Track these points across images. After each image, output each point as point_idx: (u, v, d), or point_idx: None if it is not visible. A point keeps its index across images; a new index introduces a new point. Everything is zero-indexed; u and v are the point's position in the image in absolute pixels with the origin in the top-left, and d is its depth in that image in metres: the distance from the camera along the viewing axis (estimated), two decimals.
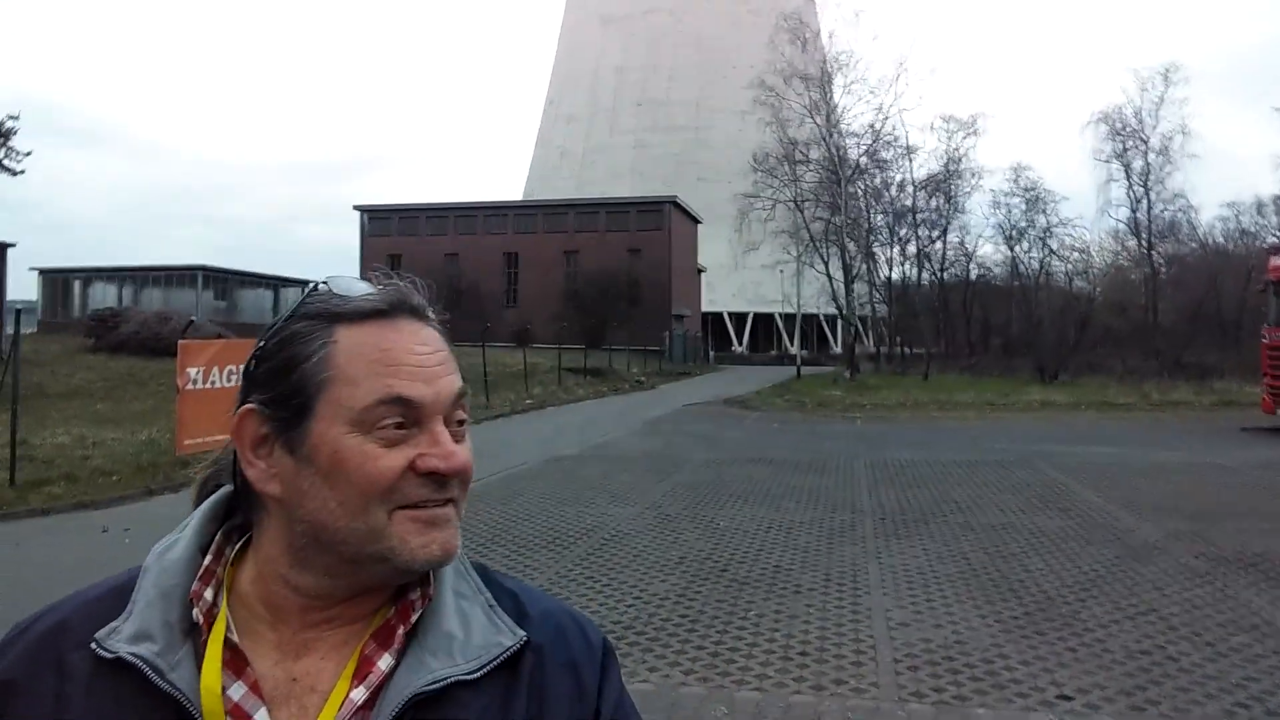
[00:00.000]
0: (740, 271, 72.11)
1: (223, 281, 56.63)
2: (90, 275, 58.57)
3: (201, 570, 0.95)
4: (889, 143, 43.34)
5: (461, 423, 0.94)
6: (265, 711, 0.88)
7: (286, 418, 0.91)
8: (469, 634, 0.94)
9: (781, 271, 51.58)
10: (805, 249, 42.76)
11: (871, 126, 41.78)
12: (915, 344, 51.04)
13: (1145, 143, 43.97)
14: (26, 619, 0.96)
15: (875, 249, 48.25)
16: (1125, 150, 44.69)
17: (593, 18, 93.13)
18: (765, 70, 41.43)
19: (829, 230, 41.96)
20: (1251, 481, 12.57)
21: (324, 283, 0.97)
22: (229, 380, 14.91)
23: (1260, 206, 51.84)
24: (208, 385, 14.29)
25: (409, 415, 0.90)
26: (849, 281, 42.05)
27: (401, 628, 0.93)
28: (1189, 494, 11.49)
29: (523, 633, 0.96)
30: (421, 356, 0.92)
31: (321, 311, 0.93)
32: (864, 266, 45.34)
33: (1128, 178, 45.17)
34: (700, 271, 69.42)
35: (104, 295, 56.39)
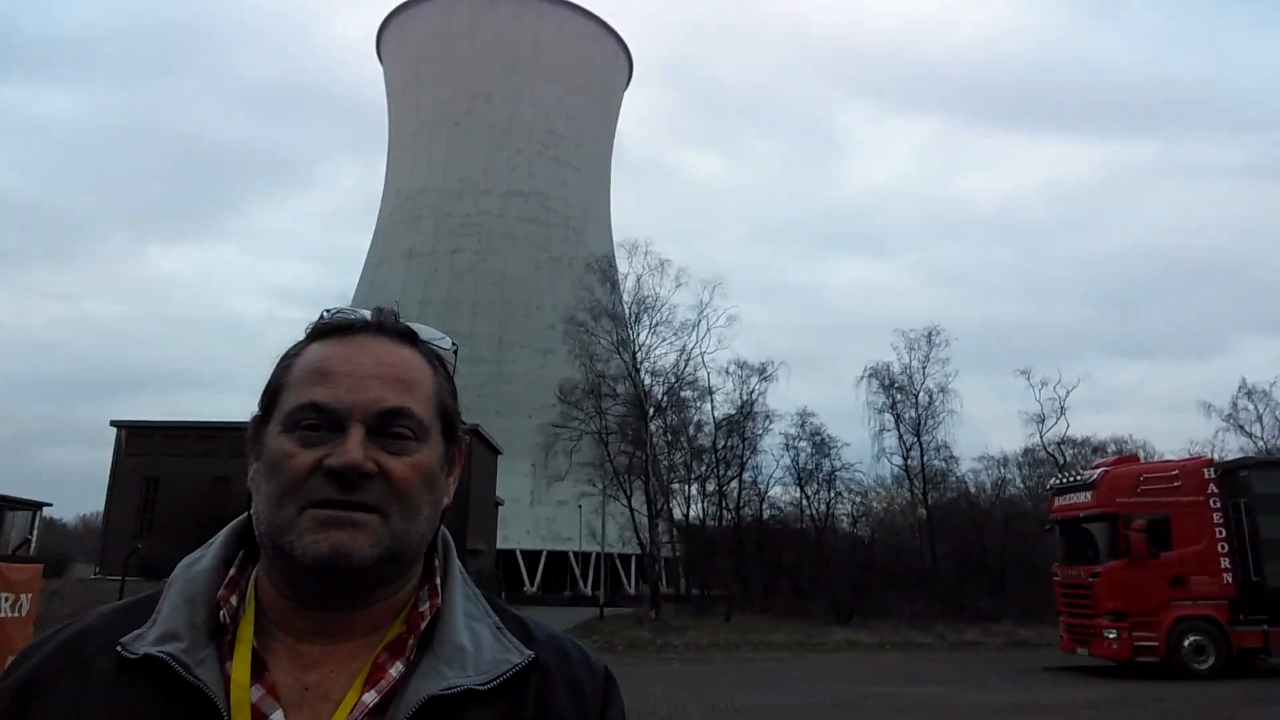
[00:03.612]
0: (536, 507, 70.67)
1: None
2: None
3: (227, 580, 1.03)
4: (690, 383, 45.06)
5: (399, 437, 1.01)
6: (281, 713, 0.95)
7: (261, 422, 1.05)
8: (479, 650, 1.02)
9: (581, 506, 50.70)
10: (610, 482, 42.36)
11: (675, 366, 43.43)
12: (711, 584, 50.74)
13: (915, 397, 48.32)
14: (55, 628, 1.04)
15: (674, 486, 48.70)
16: (896, 403, 48.82)
17: (399, 252, 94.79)
18: (575, 307, 42.70)
19: (633, 465, 42.01)
20: None
21: (327, 310, 1.12)
22: None
23: (1005, 462, 57.59)
24: None
25: (325, 419, 0.99)
26: (653, 517, 41.69)
27: (412, 638, 1.02)
28: None
29: (530, 652, 1.04)
30: (353, 367, 1.02)
31: (309, 332, 1.09)
32: (664, 505, 45.40)
33: (898, 428, 49.03)
34: (498, 504, 67.31)
35: None
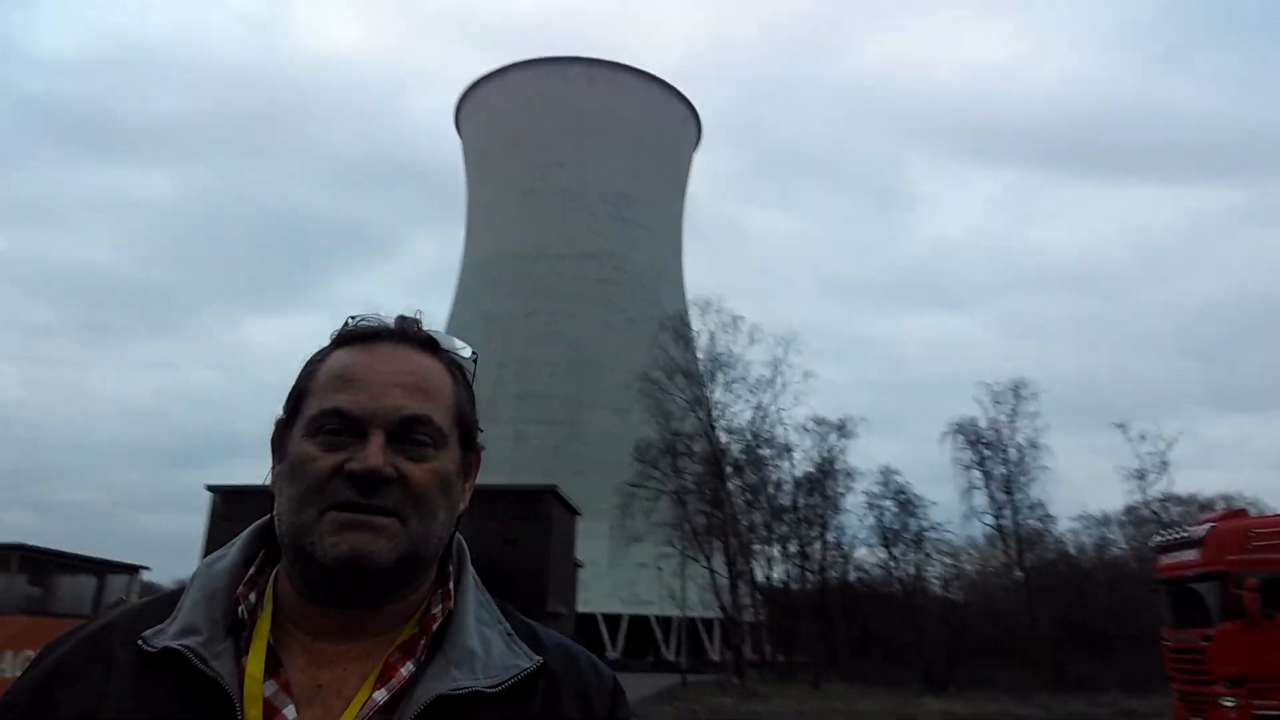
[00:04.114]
0: (616, 570, 70.01)
1: (41, 564, 50.38)
2: None
3: (246, 578, 1.07)
4: (767, 441, 44.43)
5: (418, 443, 1.04)
6: (294, 708, 0.98)
7: (284, 426, 1.09)
8: (489, 654, 1.05)
9: (661, 569, 49.98)
10: (688, 543, 41.77)
11: (751, 424, 42.96)
12: (796, 650, 49.24)
13: (1004, 453, 46.54)
14: (82, 623, 1.09)
15: (754, 547, 47.71)
16: (984, 459, 47.11)
17: (477, 316, 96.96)
18: (649, 366, 42.77)
19: (712, 525, 41.38)
20: None
21: (352, 317, 1.14)
22: None
23: (1106, 521, 54.82)
24: None
25: (348, 425, 1.03)
26: (733, 579, 40.85)
27: (424, 639, 1.05)
28: None
29: (539, 658, 1.08)
30: (375, 374, 1.05)
31: (333, 339, 1.13)
32: (745, 566, 44.47)
33: (988, 485, 47.22)
34: (577, 566, 66.94)
35: None
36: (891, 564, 50.10)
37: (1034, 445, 46.47)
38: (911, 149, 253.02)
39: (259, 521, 1.13)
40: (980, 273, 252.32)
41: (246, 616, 1.03)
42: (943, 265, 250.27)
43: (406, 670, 1.02)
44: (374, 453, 1.00)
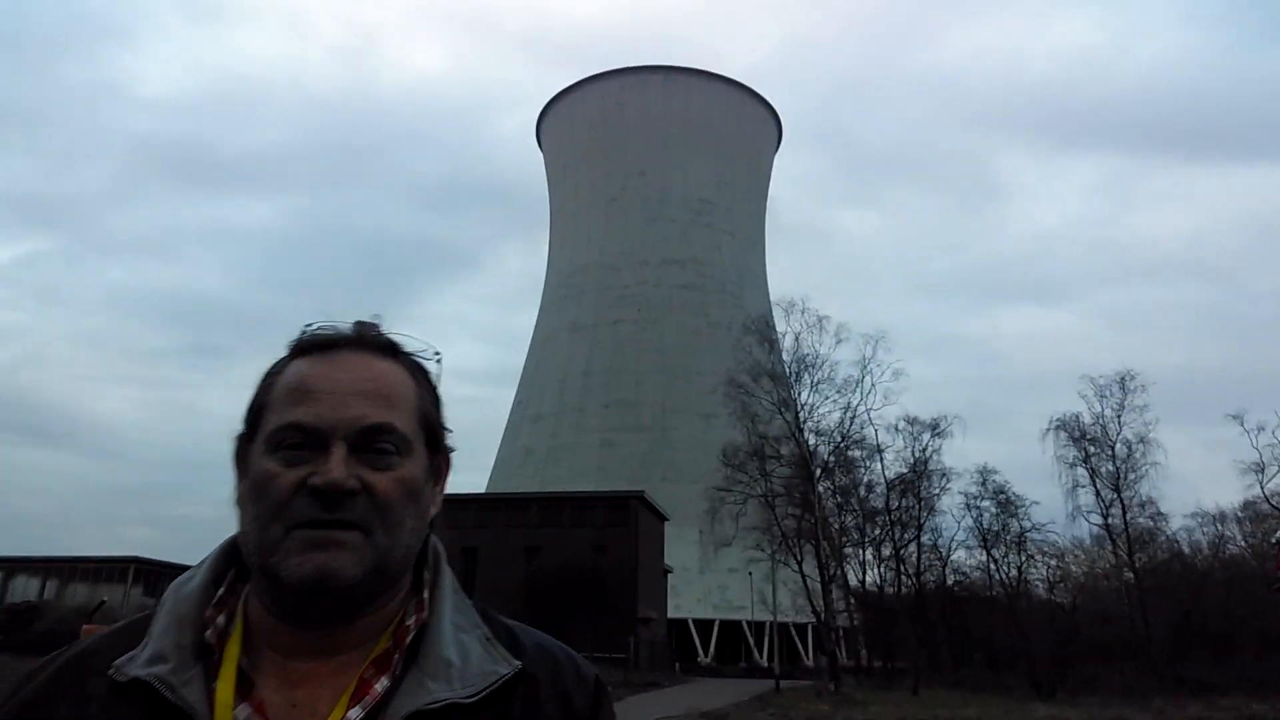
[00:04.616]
0: (706, 575, 69.65)
1: (156, 575, 53.10)
2: (12, 566, 54.61)
3: (215, 600, 1.05)
4: (857, 442, 43.50)
5: (382, 452, 1.01)
6: None
7: (245, 442, 1.06)
8: (466, 662, 1.02)
9: (751, 573, 49.43)
10: (778, 547, 41.19)
11: (840, 425, 42.15)
12: (894, 655, 48.06)
13: (1111, 449, 44.44)
14: (55, 653, 1.06)
15: (846, 550, 46.76)
16: (1089, 456, 45.12)
17: (563, 326, 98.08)
18: (734, 369, 42.41)
19: (802, 528, 40.71)
20: None
21: (308, 325, 1.11)
22: None
23: (1223, 518, 51.93)
24: None
25: (308, 438, 0.99)
26: (826, 583, 40.10)
27: (398, 653, 1.03)
28: None
29: (518, 662, 1.05)
30: (335, 384, 1.02)
31: (290, 349, 1.09)
32: (837, 570, 43.61)
33: (1094, 483, 45.18)
34: (667, 572, 66.88)
35: (25, 588, 52.38)
36: (992, 566, 48.51)
37: (1143, 440, 44.22)
38: (1003, 140, 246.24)
39: (228, 539, 1.09)
40: (1080, 264, 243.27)
41: (214, 640, 1.01)
42: (1040, 258, 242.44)
43: (381, 686, 0.99)
44: (336, 466, 0.97)
